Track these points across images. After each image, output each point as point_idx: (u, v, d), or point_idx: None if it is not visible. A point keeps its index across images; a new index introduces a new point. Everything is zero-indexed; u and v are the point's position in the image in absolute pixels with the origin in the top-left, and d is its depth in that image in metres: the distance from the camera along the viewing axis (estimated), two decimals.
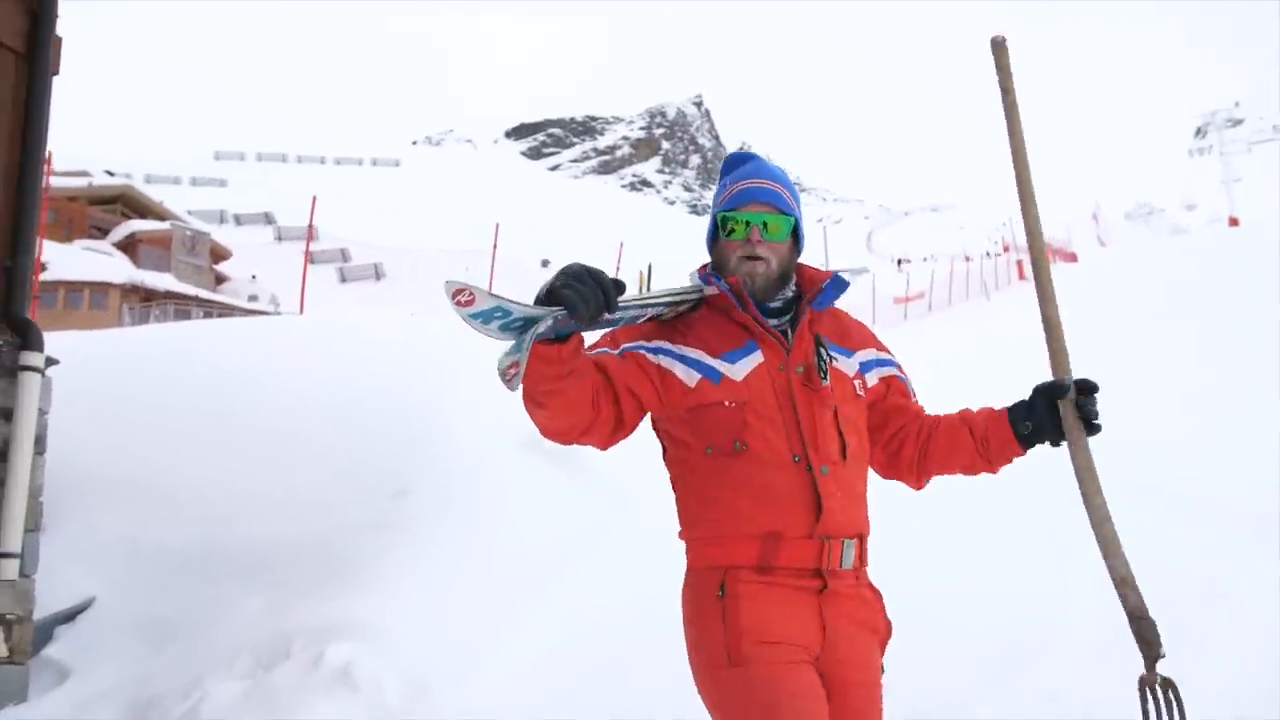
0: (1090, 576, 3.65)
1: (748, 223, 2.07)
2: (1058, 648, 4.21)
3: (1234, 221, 42.08)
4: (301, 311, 12.59)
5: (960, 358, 14.92)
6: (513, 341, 1.68)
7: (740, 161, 2.21)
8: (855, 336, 2.20)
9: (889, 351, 2.24)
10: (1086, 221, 52.83)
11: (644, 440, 2.21)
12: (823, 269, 2.18)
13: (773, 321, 2.08)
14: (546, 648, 4.28)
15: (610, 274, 1.73)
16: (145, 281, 33.86)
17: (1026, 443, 2.05)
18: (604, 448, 2.03)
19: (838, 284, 2.11)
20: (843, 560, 1.96)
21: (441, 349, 7.07)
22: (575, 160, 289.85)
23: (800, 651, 1.89)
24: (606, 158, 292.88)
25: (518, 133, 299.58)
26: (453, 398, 6.16)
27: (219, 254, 44.53)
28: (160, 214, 45.45)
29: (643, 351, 2.04)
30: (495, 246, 15.41)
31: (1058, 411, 2.01)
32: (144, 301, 33.14)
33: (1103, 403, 2.06)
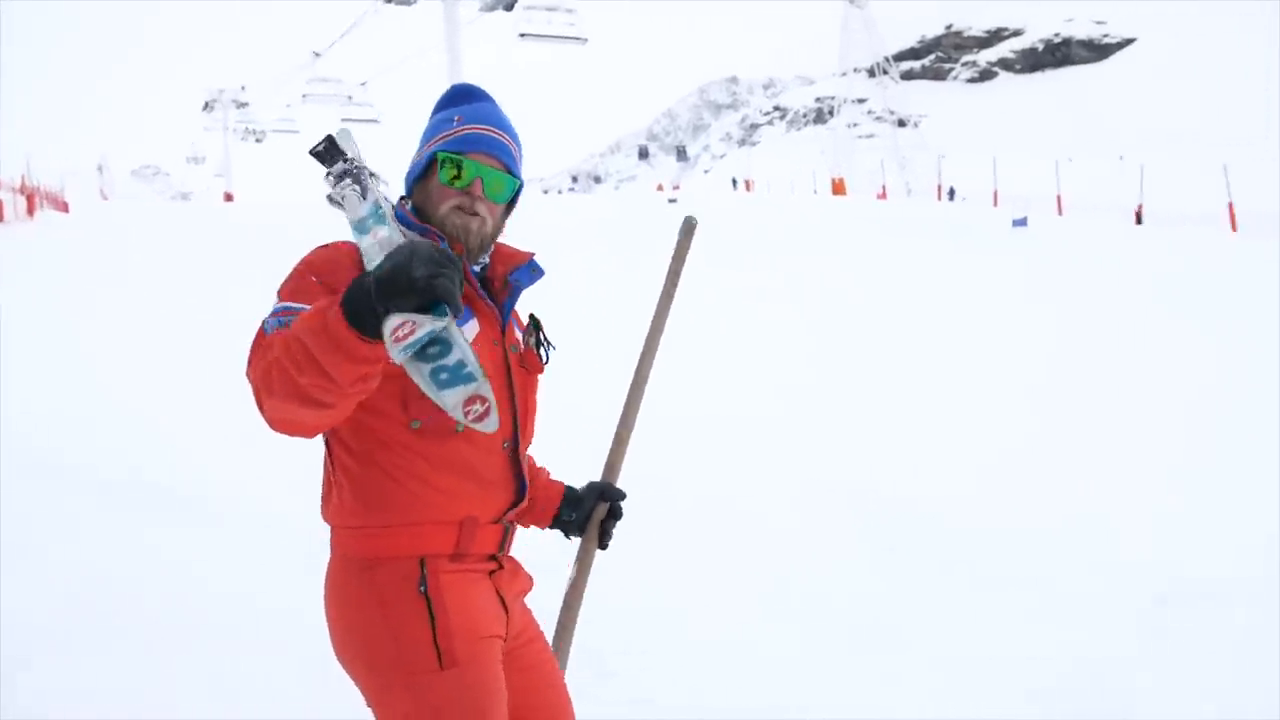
0: None
1: (473, 171, 1.75)
2: None
3: (229, 197, 43.08)
4: None
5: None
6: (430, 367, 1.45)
7: (469, 97, 1.86)
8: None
9: None
10: (91, 173, 51.44)
11: None
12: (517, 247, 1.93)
13: None
14: None
15: None
16: None
17: (557, 525, 2.03)
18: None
19: (534, 268, 1.87)
20: (511, 543, 1.89)
21: None
22: None
23: (500, 644, 1.77)
24: None
25: None
26: None
27: None
28: None
29: None
30: None
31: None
32: None
33: None
